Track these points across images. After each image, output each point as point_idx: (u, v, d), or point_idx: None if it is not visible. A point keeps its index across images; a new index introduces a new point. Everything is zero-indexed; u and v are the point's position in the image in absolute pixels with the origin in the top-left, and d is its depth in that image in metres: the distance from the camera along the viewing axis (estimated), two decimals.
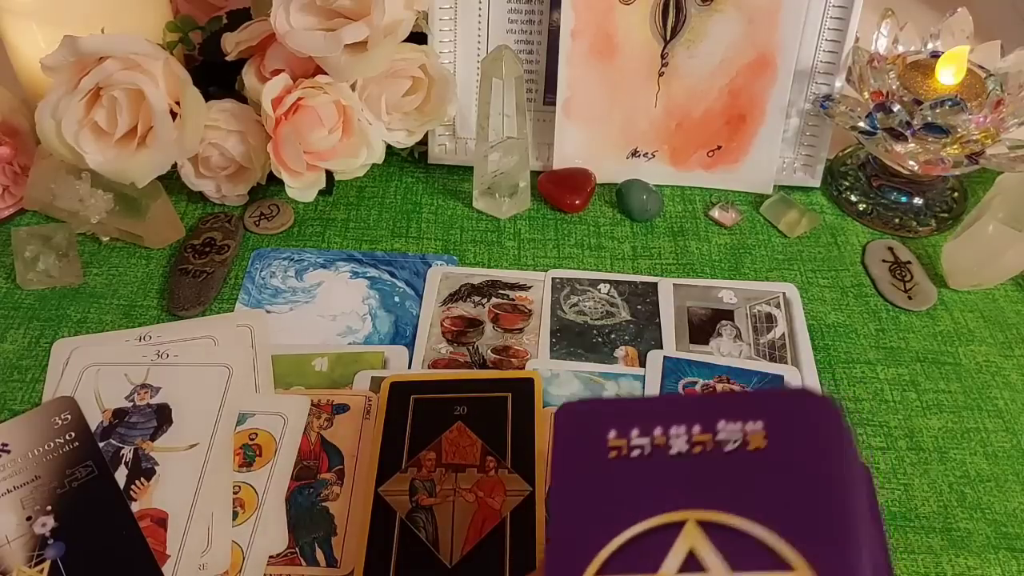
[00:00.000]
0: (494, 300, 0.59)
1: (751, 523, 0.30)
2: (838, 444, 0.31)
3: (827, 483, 0.30)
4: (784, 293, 0.60)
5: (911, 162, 0.62)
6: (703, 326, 0.57)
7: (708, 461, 0.31)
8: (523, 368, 0.54)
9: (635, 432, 0.32)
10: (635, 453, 0.32)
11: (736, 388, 0.53)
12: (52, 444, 0.49)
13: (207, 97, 0.60)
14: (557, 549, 0.31)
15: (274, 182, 0.63)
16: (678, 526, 0.30)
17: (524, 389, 0.51)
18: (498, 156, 0.64)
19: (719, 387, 0.53)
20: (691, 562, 0.29)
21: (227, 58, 0.63)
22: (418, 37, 0.63)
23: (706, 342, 0.56)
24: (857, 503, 0.30)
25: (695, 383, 0.53)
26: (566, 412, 0.34)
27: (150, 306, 0.58)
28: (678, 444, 0.32)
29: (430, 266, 0.61)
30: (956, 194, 0.68)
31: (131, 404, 0.51)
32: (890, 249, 0.63)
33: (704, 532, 0.30)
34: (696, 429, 0.32)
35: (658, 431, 0.32)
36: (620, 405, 0.34)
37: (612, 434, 0.33)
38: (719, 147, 0.67)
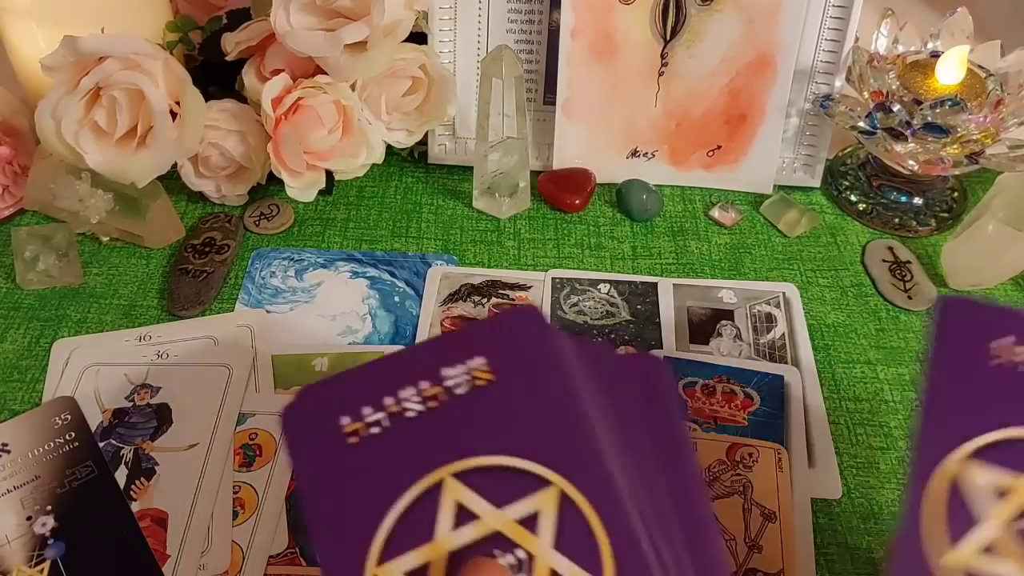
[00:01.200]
0: (494, 300, 0.59)
1: (500, 457, 0.31)
2: (550, 355, 0.32)
3: (552, 395, 0.31)
4: (784, 293, 0.60)
5: (911, 162, 0.62)
6: (703, 326, 0.57)
7: (446, 412, 0.32)
8: None
9: (367, 410, 0.32)
10: (374, 431, 0.32)
11: (736, 388, 0.53)
12: (52, 444, 0.49)
13: (207, 97, 0.60)
14: (329, 558, 0.30)
15: (274, 182, 0.63)
16: (437, 487, 0.30)
17: None
18: (498, 156, 0.64)
19: (719, 387, 0.53)
20: (462, 515, 0.30)
21: (227, 58, 0.63)
22: (418, 37, 0.63)
23: (706, 342, 0.56)
24: (582, 404, 0.31)
25: (695, 383, 0.53)
26: (289, 415, 0.33)
27: (150, 306, 0.58)
28: (412, 405, 0.32)
29: (430, 266, 0.61)
30: (956, 194, 0.68)
31: (131, 404, 0.51)
32: (890, 249, 0.63)
33: (462, 482, 0.30)
34: (425, 385, 0.32)
35: (389, 400, 0.32)
36: (340, 385, 0.33)
37: (345, 420, 0.32)
38: (719, 147, 0.67)
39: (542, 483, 0.30)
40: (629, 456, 0.32)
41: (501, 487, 0.30)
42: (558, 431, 0.31)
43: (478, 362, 0.32)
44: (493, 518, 0.30)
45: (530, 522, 0.30)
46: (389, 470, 0.31)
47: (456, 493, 0.30)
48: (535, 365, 0.32)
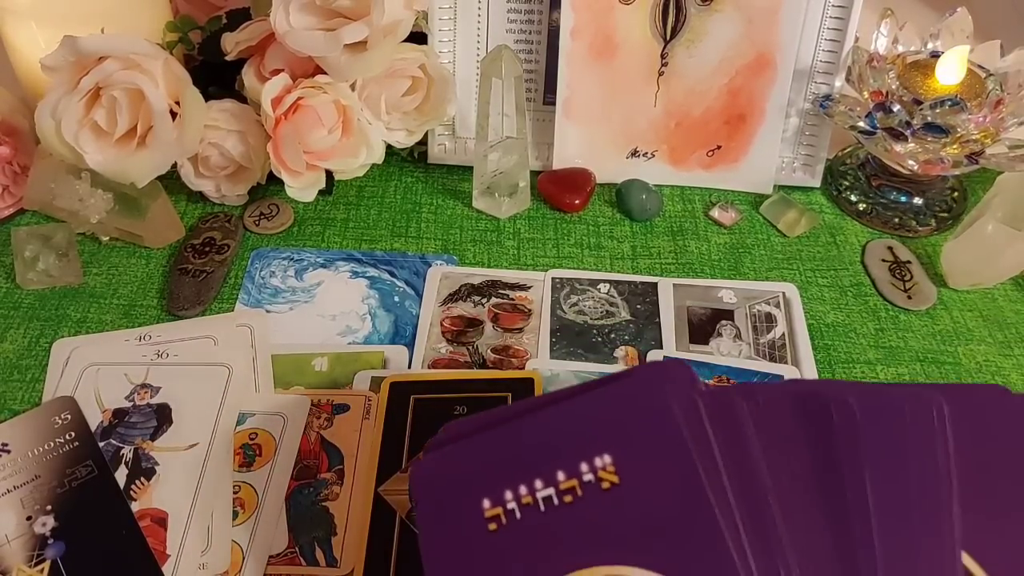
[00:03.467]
0: (494, 300, 0.59)
1: (631, 569, 0.29)
2: (684, 455, 0.29)
3: (684, 504, 0.29)
4: (784, 293, 0.60)
5: (911, 162, 0.62)
6: (703, 326, 0.57)
7: (577, 509, 0.30)
8: (523, 368, 0.54)
9: (508, 495, 0.30)
10: (513, 519, 0.30)
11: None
12: (52, 444, 0.49)
13: (207, 97, 0.60)
14: None
15: (274, 182, 0.63)
16: None
17: (524, 389, 0.51)
18: (498, 156, 0.64)
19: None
20: None
21: (227, 58, 0.63)
22: (418, 37, 0.63)
23: (706, 342, 0.56)
24: (720, 516, 0.29)
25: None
26: (425, 480, 0.31)
27: (150, 306, 0.58)
28: (547, 495, 0.30)
29: (430, 266, 0.61)
30: (956, 194, 0.68)
31: (131, 404, 0.51)
32: (890, 249, 0.63)
33: None
34: (561, 476, 0.30)
35: (523, 489, 0.30)
36: (483, 452, 0.31)
37: (486, 504, 0.30)
38: (719, 147, 0.67)
39: None
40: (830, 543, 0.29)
41: None
42: (693, 544, 0.29)
43: (605, 460, 0.30)
44: None
45: None
46: (522, 566, 0.29)
47: None
48: (666, 464, 0.30)
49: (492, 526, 0.30)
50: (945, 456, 0.30)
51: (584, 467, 0.30)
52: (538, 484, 0.30)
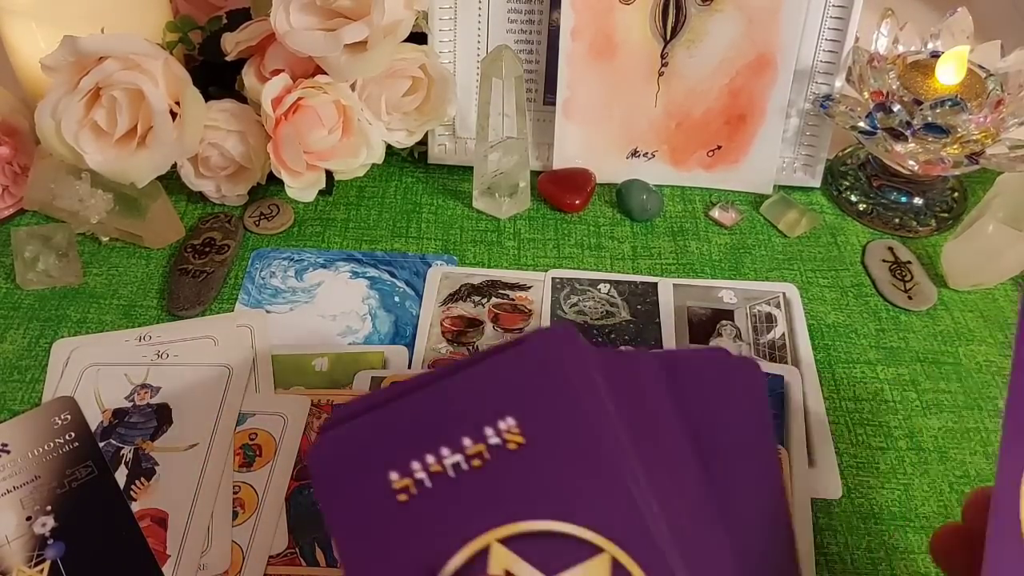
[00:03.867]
0: (494, 300, 0.59)
1: (548, 522, 0.29)
2: (582, 402, 0.31)
3: (592, 450, 0.30)
4: (784, 293, 0.60)
5: (911, 162, 0.62)
6: (703, 326, 0.57)
7: (490, 472, 0.30)
8: None
9: (415, 465, 0.30)
10: (422, 490, 0.30)
11: None
12: (52, 444, 0.49)
13: (207, 97, 0.60)
14: None
15: (274, 182, 0.63)
16: (484, 553, 0.29)
17: None
18: (498, 156, 0.64)
19: None
20: None
21: (227, 58, 0.63)
22: (418, 37, 0.63)
23: (706, 342, 0.56)
24: (624, 457, 0.30)
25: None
26: (320, 459, 0.31)
27: (150, 306, 0.58)
28: (455, 462, 0.30)
29: (430, 266, 0.61)
30: (956, 194, 0.68)
31: (131, 404, 0.51)
32: (890, 249, 0.63)
33: (509, 548, 0.29)
34: (467, 442, 0.30)
35: (430, 458, 0.30)
36: (382, 427, 0.31)
37: (394, 476, 0.30)
38: (719, 147, 0.67)
39: (594, 550, 0.29)
40: (694, 483, 0.31)
41: (550, 554, 0.29)
42: (603, 492, 0.30)
43: (509, 423, 0.31)
44: None
45: None
46: (436, 533, 0.29)
47: (504, 559, 0.29)
48: (568, 418, 0.31)
49: (402, 497, 0.30)
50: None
51: (489, 431, 0.31)
52: (445, 451, 0.30)
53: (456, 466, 0.30)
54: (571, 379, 0.31)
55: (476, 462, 0.30)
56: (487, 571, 0.29)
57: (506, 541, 0.29)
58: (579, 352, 0.32)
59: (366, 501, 0.30)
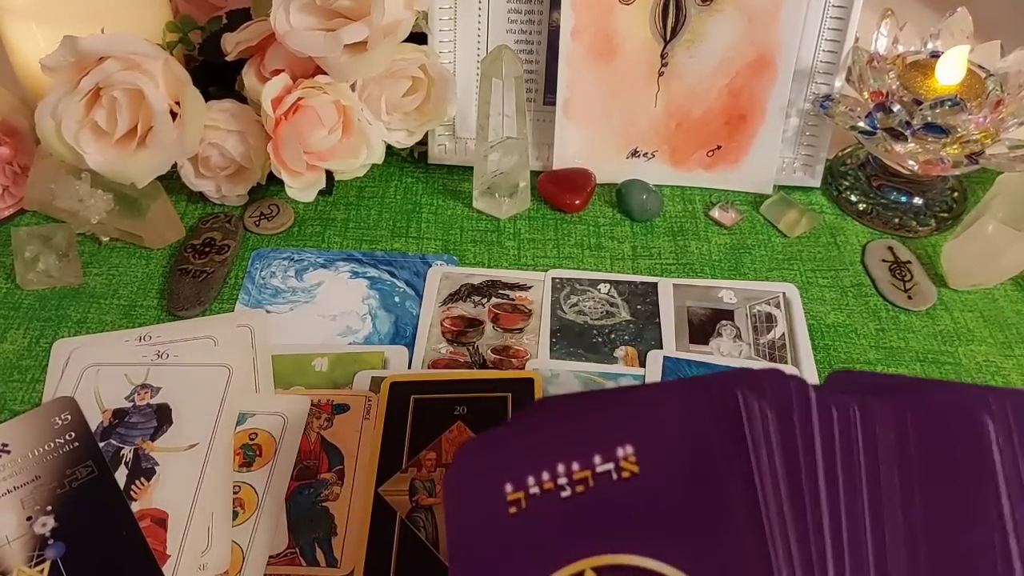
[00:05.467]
0: (494, 300, 0.59)
1: (641, 558, 0.29)
2: (704, 452, 0.30)
3: (701, 496, 0.29)
4: (784, 293, 0.60)
5: (911, 162, 0.62)
6: (703, 326, 0.57)
7: (595, 498, 0.30)
8: (523, 368, 0.54)
9: (530, 480, 0.31)
10: (531, 505, 0.31)
11: None
12: (52, 444, 0.49)
13: (207, 97, 0.60)
14: None
15: (274, 182, 0.63)
16: None
17: (524, 389, 0.51)
18: (498, 156, 0.64)
19: None
20: None
21: (227, 58, 0.63)
22: (418, 37, 0.63)
23: (706, 342, 0.56)
24: (734, 512, 0.29)
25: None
26: (454, 474, 0.31)
27: (150, 306, 0.58)
28: (564, 484, 0.31)
29: (430, 266, 0.61)
30: (956, 194, 0.68)
31: (131, 404, 0.51)
32: (890, 249, 0.63)
33: None
34: (575, 466, 0.31)
35: (546, 475, 0.31)
36: (509, 445, 0.32)
37: (509, 488, 0.31)
38: (719, 147, 0.67)
39: None
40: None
41: None
42: (706, 537, 0.29)
43: (627, 451, 0.31)
44: None
45: None
46: (539, 549, 0.30)
47: None
48: (685, 459, 0.30)
49: (512, 509, 0.31)
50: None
51: (602, 457, 0.31)
52: (560, 470, 0.31)
53: (567, 485, 0.31)
54: (693, 424, 0.31)
55: (582, 487, 0.31)
56: None
57: (600, 570, 0.29)
58: (740, 397, 0.31)
59: (480, 507, 0.31)
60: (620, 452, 0.31)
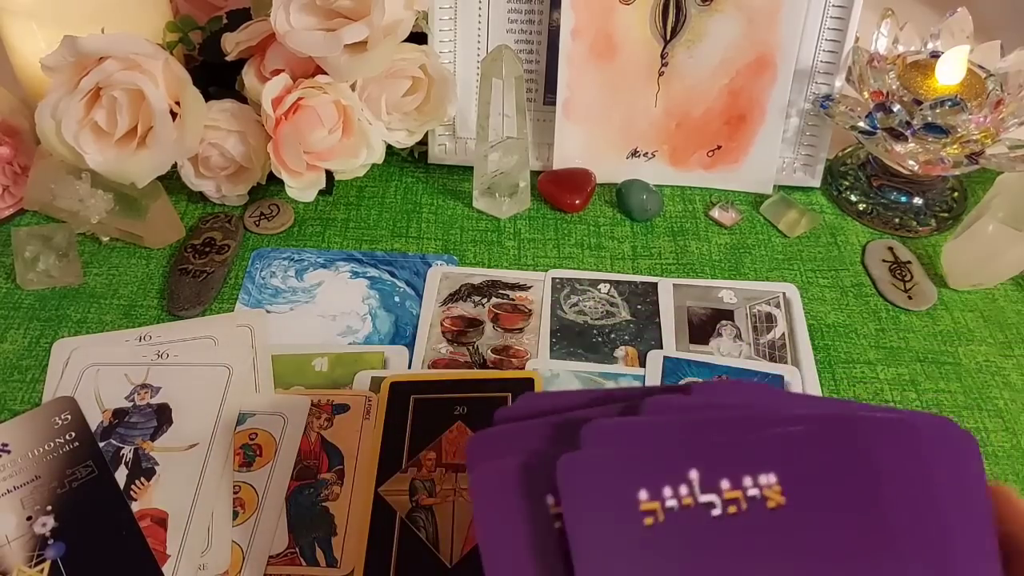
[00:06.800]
0: (494, 300, 0.59)
1: None
2: (855, 492, 0.28)
3: (851, 540, 0.27)
4: (784, 293, 0.60)
5: (911, 162, 0.62)
6: (703, 326, 0.57)
7: (738, 523, 0.27)
8: (523, 368, 0.54)
9: (667, 491, 0.28)
10: (669, 518, 0.27)
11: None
12: (52, 444, 0.49)
13: (207, 97, 0.60)
14: None
15: (274, 182, 0.63)
16: None
17: (524, 389, 0.51)
18: (498, 156, 0.64)
19: None
20: None
21: (227, 58, 0.63)
22: (418, 37, 0.63)
23: (706, 342, 0.56)
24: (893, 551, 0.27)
25: (695, 383, 0.53)
26: (574, 463, 0.28)
27: (150, 306, 0.58)
28: (709, 500, 0.28)
29: (430, 266, 0.61)
30: (956, 194, 0.68)
31: (131, 404, 0.51)
32: (890, 249, 0.63)
33: None
34: (725, 484, 0.28)
35: (684, 488, 0.28)
36: (635, 439, 0.28)
37: (643, 495, 0.27)
38: (719, 147, 0.67)
39: None
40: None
41: None
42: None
43: (770, 479, 0.28)
44: None
45: None
46: (677, 568, 0.27)
47: None
48: (836, 502, 0.28)
49: (648, 520, 0.27)
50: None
51: (748, 480, 0.28)
52: (699, 486, 0.28)
53: (709, 505, 0.28)
54: (846, 461, 0.28)
55: (732, 508, 0.28)
56: None
57: None
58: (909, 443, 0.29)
59: (612, 516, 0.27)
60: (764, 480, 0.28)
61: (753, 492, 0.28)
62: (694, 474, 0.28)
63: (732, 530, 0.27)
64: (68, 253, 0.60)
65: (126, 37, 0.56)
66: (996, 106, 0.60)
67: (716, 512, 0.27)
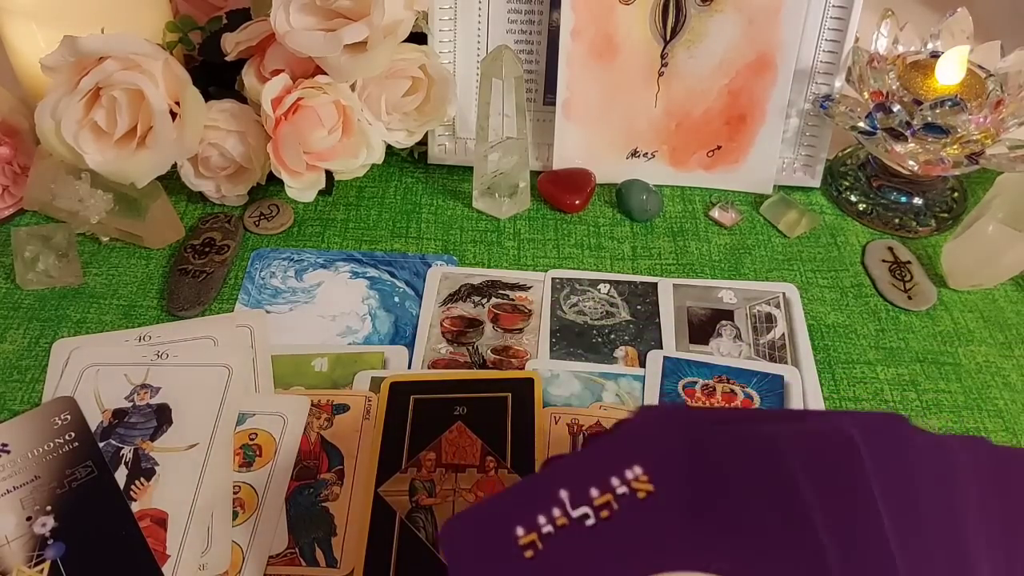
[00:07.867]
0: (494, 300, 0.59)
1: (683, 573, 0.29)
2: (700, 460, 0.30)
3: (715, 505, 0.29)
4: (784, 293, 0.60)
5: (911, 162, 0.62)
6: (703, 326, 0.57)
7: (616, 522, 0.29)
8: (523, 368, 0.54)
9: (541, 519, 0.29)
10: (548, 544, 0.29)
11: (736, 389, 0.53)
12: (52, 444, 0.49)
13: (207, 97, 0.60)
14: None
15: (274, 182, 0.63)
16: None
17: (524, 389, 0.51)
18: (498, 156, 0.64)
19: (719, 387, 0.53)
20: None
21: (227, 58, 0.63)
22: (418, 37, 0.63)
23: (706, 342, 0.56)
24: (754, 514, 0.29)
25: (695, 383, 0.53)
26: (453, 526, 0.30)
27: (150, 306, 0.58)
28: (583, 513, 0.30)
29: (430, 266, 0.61)
30: (956, 194, 0.68)
31: (131, 404, 0.51)
32: (890, 249, 0.63)
33: None
34: (595, 493, 0.30)
35: (556, 511, 0.29)
36: (508, 492, 0.30)
37: (520, 531, 0.29)
38: (719, 147, 0.67)
39: None
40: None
41: None
42: (737, 537, 0.29)
43: (636, 472, 0.30)
44: None
45: None
46: None
47: None
48: (695, 472, 0.30)
49: (528, 553, 0.29)
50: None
51: (616, 481, 0.30)
52: (570, 504, 0.30)
53: (584, 517, 0.29)
54: (692, 433, 0.30)
55: (604, 512, 0.29)
56: None
57: None
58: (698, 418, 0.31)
59: (492, 557, 0.29)
60: (629, 474, 0.30)
61: (622, 490, 0.30)
62: (563, 493, 0.30)
63: (609, 533, 0.29)
64: (68, 253, 0.60)
65: (126, 37, 0.56)
66: (996, 106, 0.60)
67: (590, 522, 0.29)
